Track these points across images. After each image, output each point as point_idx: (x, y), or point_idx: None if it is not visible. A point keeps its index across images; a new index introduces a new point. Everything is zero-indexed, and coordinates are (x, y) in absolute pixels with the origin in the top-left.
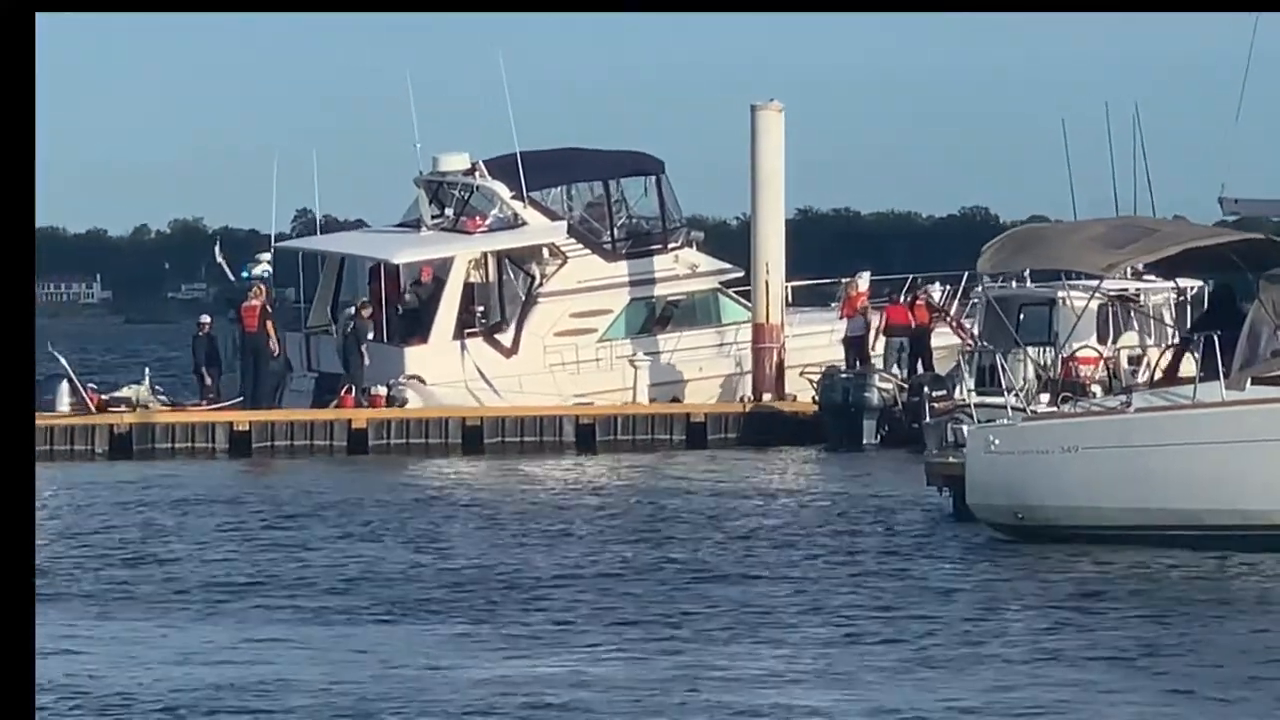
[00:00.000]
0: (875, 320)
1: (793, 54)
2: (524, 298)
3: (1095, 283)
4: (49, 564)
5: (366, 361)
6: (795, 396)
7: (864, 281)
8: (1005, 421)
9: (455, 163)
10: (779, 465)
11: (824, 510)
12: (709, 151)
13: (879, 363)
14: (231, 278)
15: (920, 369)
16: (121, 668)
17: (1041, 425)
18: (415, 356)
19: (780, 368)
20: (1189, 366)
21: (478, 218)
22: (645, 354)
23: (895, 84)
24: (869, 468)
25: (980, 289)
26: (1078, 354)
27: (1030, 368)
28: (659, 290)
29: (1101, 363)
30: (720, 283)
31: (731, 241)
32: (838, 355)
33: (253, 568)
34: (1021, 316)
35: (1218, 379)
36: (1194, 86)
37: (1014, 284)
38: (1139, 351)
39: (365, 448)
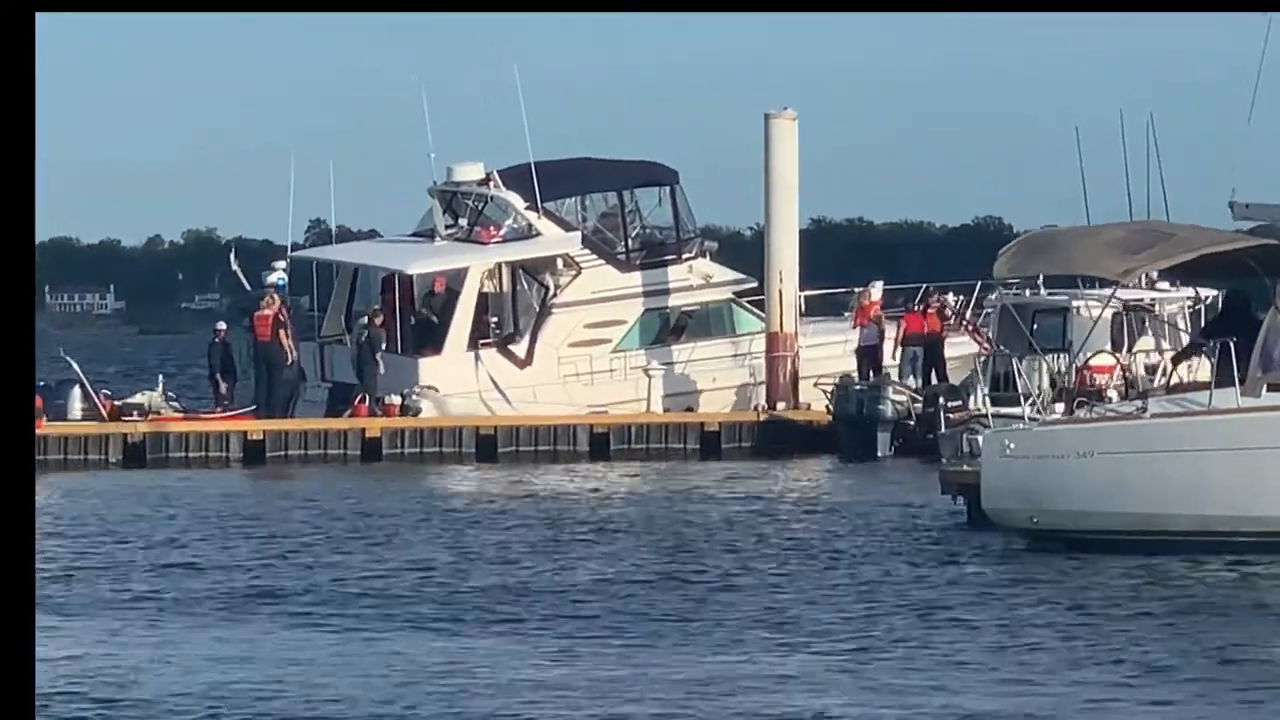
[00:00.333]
0: (892, 330)
1: (792, 54)
2: (538, 308)
3: (1109, 291)
4: (62, 573)
5: (381, 371)
6: (810, 405)
7: (876, 291)
8: (1021, 425)
9: (469, 173)
10: (794, 475)
11: (841, 518)
12: (719, 155)
13: (893, 373)
14: (247, 286)
15: (934, 378)
16: (147, 672)
17: (1057, 430)
18: (429, 367)
19: (794, 377)
20: (1200, 371)
21: (492, 228)
22: (659, 364)
23: (899, 85)
24: (884, 478)
25: (994, 297)
26: (1092, 362)
27: (1045, 376)
28: (673, 300)
29: (1117, 370)
30: (734, 293)
31: (745, 252)
32: (852, 365)
33: (269, 577)
34: (1035, 325)
35: (1233, 385)
36: (1204, 89)
37: (1028, 292)
38: (1155, 359)
39: (379, 456)
